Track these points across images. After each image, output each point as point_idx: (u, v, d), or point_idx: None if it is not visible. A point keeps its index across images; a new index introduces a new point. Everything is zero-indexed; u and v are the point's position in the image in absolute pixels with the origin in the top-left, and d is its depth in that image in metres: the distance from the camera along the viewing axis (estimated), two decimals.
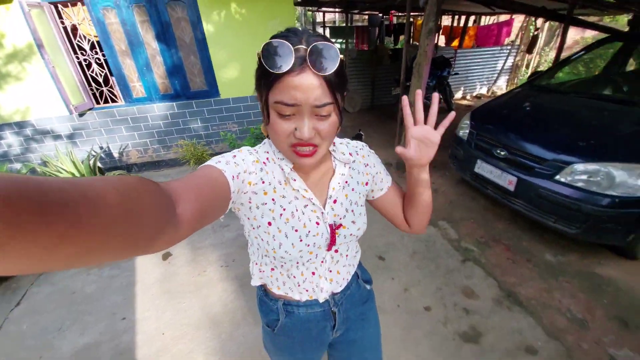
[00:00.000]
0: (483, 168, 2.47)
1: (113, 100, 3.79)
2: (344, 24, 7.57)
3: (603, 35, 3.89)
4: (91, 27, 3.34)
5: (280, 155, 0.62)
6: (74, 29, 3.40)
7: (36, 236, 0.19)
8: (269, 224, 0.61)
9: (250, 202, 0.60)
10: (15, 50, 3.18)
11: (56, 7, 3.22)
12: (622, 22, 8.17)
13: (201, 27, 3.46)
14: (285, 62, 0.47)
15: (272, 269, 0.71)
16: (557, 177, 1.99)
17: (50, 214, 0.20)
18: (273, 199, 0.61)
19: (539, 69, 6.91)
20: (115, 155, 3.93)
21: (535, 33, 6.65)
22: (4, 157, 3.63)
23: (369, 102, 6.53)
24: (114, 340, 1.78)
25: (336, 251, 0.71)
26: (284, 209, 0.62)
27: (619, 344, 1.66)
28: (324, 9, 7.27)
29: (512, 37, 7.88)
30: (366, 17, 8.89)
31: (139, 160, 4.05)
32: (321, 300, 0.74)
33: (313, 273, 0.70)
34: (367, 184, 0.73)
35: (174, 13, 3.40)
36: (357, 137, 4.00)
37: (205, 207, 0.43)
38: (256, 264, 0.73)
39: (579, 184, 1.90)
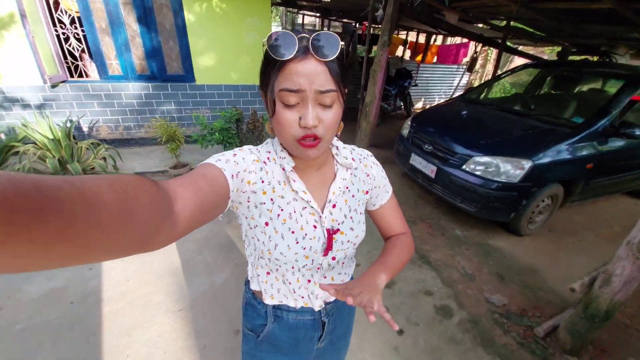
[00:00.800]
0: (415, 160, 3.02)
1: (87, 76, 3.91)
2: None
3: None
4: (73, 3, 3.49)
5: (283, 154, 0.61)
6: (56, 2, 3.52)
7: (33, 235, 0.19)
8: (266, 224, 0.60)
9: (248, 202, 0.59)
10: None
11: None
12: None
13: (182, 15, 3.73)
14: (289, 49, 0.48)
15: (268, 273, 0.69)
16: (463, 166, 2.56)
17: (47, 213, 0.20)
18: (272, 199, 0.60)
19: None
20: (85, 129, 4.04)
21: (475, 56, 7.65)
22: None
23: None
24: (80, 285, 1.99)
25: (333, 258, 0.68)
26: (282, 210, 0.61)
27: (494, 291, 2.22)
28: (303, 11, 7.71)
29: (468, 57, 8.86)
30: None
31: (108, 136, 4.18)
32: (316, 309, 0.72)
33: (309, 281, 0.69)
34: (367, 192, 0.72)
35: (157, 0, 3.65)
36: None
37: (203, 205, 0.42)
38: (253, 265, 0.72)
39: (477, 172, 2.48)
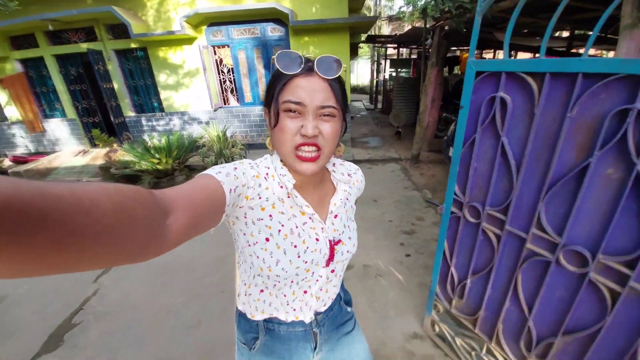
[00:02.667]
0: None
1: (231, 103, 6.12)
2: (400, 56, 9.24)
3: None
4: (230, 60, 5.73)
5: (284, 172, 0.62)
6: (221, 60, 5.85)
7: (33, 242, 0.20)
8: (267, 240, 0.60)
9: (245, 217, 0.60)
10: (189, 70, 5.71)
11: (214, 48, 5.68)
12: None
13: None
14: (295, 66, 0.54)
15: (262, 291, 0.69)
16: None
17: (48, 221, 0.20)
18: (270, 215, 0.61)
19: None
20: (228, 135, 6.21)
21: None
22: (170, 131, 6.20)
23: (412, 119, 7.87)
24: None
25: (332, 271, 0.70)
26: (283, 225, 0.61)
27: None
28: (384, 45, 9.08)
29: None
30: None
31: (242, 141, 6.26)
32: (307, 321, 0.73)
33: (305, 292, 0.70)
34: (355, 202, 0.78)
35: (276, 52, 5.57)
36: (397, 134, 6.18)
37: (197, 218, 0.43)
38: (245, 284, 0.71)
39: None
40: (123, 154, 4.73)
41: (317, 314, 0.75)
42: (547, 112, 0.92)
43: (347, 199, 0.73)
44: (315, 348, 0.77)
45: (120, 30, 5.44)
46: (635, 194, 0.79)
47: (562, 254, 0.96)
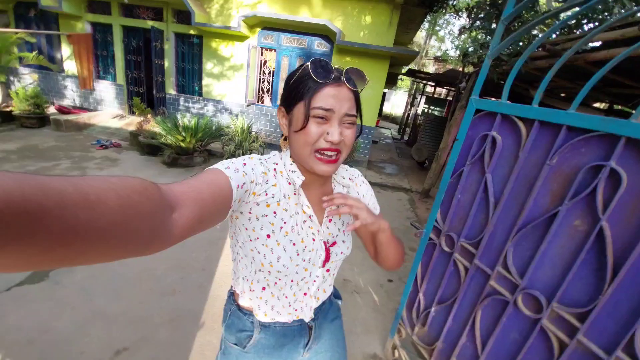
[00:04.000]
0: None
1: (264, 102, 6.40)
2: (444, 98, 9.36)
3: None
4: (273, 63, 6.05)
5: (293, 168, 0.64)
6: (265, 62, 6.19)
7: (35, 237, 0.20)
8: (268, 236, 0.61)
9: (250, 213, 0.60)
10: (234, 64, 6.07)
11: (262, 49, 6.04)
12: None
13: None
14: (328, 75, 0.56)
15: (264, 288, 0.68)
16: None
17: (50, 217, 0.20)
18: (275, 212, 0.61)
19: None
20: (253, 131, 6.46)
21: None
22: (202, 115, 6.53)
23: (434, 156, 7.84)
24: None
25: (327, 270, 0.72)
26: (285, 222, 0.62)
27: None
28: (423, 81, 9.26)
29: None
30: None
31: (265, 140, 6.49)
32: (307, 319, 0.74)
33: (305, 294, 0.71)
34: None
35: None
36: (420, 164, 6.37)
37: (202, 214, 0.42)
38: (247, 280, 0.69)
39: None
40: (154, 125, 5.04)
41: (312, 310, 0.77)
42: (530, 156, 0.97)
43: None
44: (307, 343, 0.78)
45: (184, 16, 5.93)
46: (597, 249, 0.81)
47: (521, 296, 0.98)
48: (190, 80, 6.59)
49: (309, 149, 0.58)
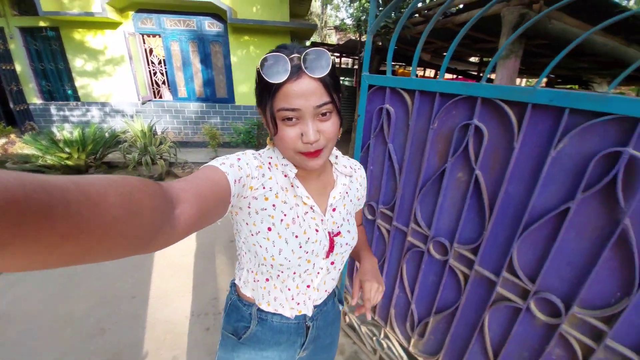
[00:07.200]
0: None
1: (164, 97, 5.68)
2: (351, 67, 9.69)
3: None
4: (161, 50, 5.32)
5: (285, 162, 0.62)
6: (151, 50, 5.39)
7: (39, 235, 0.20)
8: (269, 229, 0.60)
9: (249, 207, 0.59)
10: (112, 57, 5.15)
11: (142, 36, 5.23)
12: None
13: (229, 58, 5.38)
14: (283, 72, 0.49)
15: (267, 280, 0.68)
16: None
17: (53, 214, 0.20)
18: (274, 205, 0.60)
19: None
20: (158, 131, 5.74)
21: None
22: (86, 124, 5.50)
23: (351, 126, 8.28)
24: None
25: (332, 263, 0.71)
26: (285, 215, 0.61)
27: None
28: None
29: None
30: None
31: (174, 139, 5.82)
32: (310, 314, 0.73)
33: (308, 286, 0.70)
34: (359, 199, 0.77)
35: (214, 48, 5.36)
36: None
37: (203, 210, 0.42)
38: (251, 271, 0.70)
39: None
40: (22, 147, 4.05)
41: (314, 306, 0.75)
42: (418, 123, 1.08)
43: (347, 192, 0.72)
44: (303, 344, 0.78)
45: (27, 5, 4.67)
46: (477, 194, 0.97)
47: (432, 245, 1.14)
48: (58, 83, 5.39)
49: (292, 151, 0.56)
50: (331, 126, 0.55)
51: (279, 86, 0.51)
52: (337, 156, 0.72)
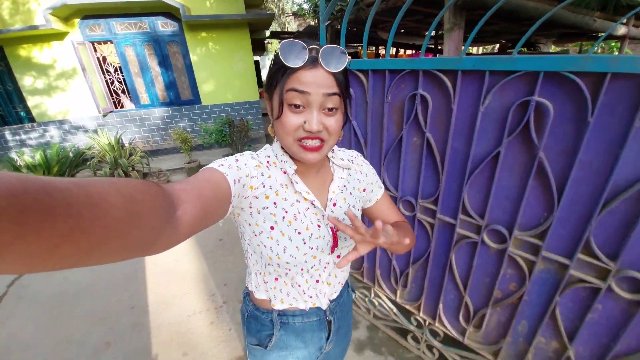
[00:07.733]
0: None
1: (126, 106, 5.48)
2: None
3: None
4: (115, 57, 5.10)
5: (284, 158, 0.62)
6: (104, 58, 5.16)
7: (40, 236, 0.20)
8: (272, 228, 0.60)
9: (250, 207, 0.60)
10: (63, 71, 4.89)
11: (93, 45, 4.98)
12: None
13: (189, 57, 5.25)
14: (300, 58, 0.51)
15: (276, 279, 0.69)
16: None
17: (54, 215, 0.20)
18: (275, 203, 0.61)
19: None
20: (126, 144, 5.57)
21: None
22: (47, 145, 5.23)
23: None
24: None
25: (338, 256, 0.71)
26: (287, 212, 0.61)
27: None
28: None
29: None
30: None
31: (143, 149, 5.67)
32: (324, 307, 0.73)
33: (317, 281, 0.71)
34: (364, 190, 0.75)
35: (171, 48, 5.20)
36: None
37: (205, 210, 0.43)
38: (260, 273, 0.70)
39: None
40: None
41: (330, 301, 0.76)
42: (374, 99, 1.21)
43: (345, 186, 0.71)
44: (328, 337, 0.79)
45: None
46: (430, 154, 1.12)
47: (401, 204, 1.30)
48: (8, 106, 5.07)
49: (292, 139, 0.56)
50: (335, 123, 0.56)
51: (293, 70, 0.52)
52: (333, 150, 0.72)
